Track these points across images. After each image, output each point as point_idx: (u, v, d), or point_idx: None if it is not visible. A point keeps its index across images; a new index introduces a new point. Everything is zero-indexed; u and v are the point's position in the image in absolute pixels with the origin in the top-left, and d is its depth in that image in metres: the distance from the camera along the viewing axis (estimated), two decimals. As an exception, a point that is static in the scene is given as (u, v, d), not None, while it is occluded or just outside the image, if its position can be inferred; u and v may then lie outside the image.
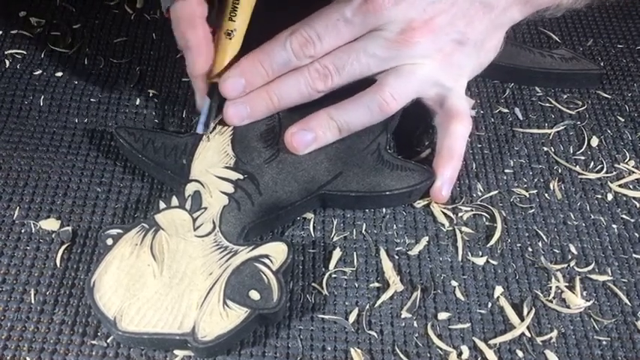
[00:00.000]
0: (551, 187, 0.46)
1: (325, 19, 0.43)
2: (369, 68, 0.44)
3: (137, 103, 0.50)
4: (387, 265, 0.42)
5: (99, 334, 0.38)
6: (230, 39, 0.44)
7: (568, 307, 0.40)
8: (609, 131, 0.50)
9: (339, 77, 0.44)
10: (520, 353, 0.38)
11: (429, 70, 0.44)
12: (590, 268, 0.42)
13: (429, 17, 0.43)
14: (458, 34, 0.44)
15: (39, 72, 0.52)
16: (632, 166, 0.48)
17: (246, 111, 0.45)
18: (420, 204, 0.45)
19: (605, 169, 0.48)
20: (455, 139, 0.44)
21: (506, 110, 0.51)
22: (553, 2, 0.47)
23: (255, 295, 0.37)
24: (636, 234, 0.44)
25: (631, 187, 0.47)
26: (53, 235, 0.42)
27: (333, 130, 0.44)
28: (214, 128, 0.46)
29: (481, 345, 0.38)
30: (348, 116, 0.44)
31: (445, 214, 0.44)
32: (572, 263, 0.42)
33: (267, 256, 0.39)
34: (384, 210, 0.45)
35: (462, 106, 0.45)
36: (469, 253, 0.43)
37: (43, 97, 0.50)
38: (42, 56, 0.53)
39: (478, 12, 0.44)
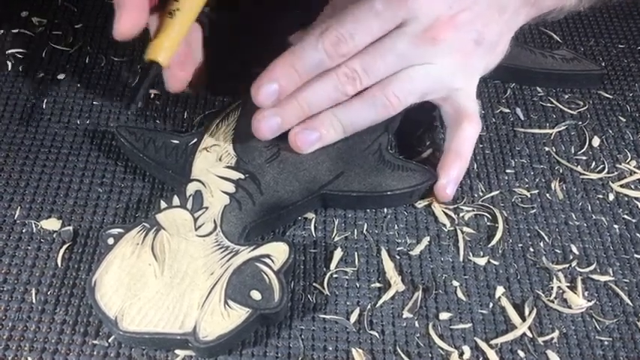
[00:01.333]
0: (553, 188, 0.46)
1: (356, 14, 0.41)
2: (394, 67, 0.43)
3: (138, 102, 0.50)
4: (389, 265, 0.42)
5: (100, 333, 0.38)
6: (171, 17, 0.42)
7: (569, 307, 0.40)
8: (610, 131, 0.50)
9: (367, 78, 0.42)
10: (522, 353, 0.38)
11: (445, 70, 0.43)
12: (591, 268, 0.42)
13: (455, 13, 0.42)
14: (476, 33, 0.43)
15: (41, 72, 0.52)
16: (634, 167, 0.48)
17: (278, 123, 0.43)
18: (421, 204, 0.45)
19: (606, 170, 0.48)
20: (463, 139, 0.44)
21: (507, 110, 0.51)
22: (557, 5, 0.47)
23: (256, 295, 0.37)
24: (638, 234, 0.44)
25: (632, 187, 0.47)
26: (54, 235, 0.42)
27: (338, 129, 0.44)
28: (216, 128, 0.46)
29: (482, 345, 0.38)
30: (353, 115, 0.43)
31: (446, 214, 0.44)
32: (574, 263, 0.42)
33: (268, 256, 0.39)
34: (385, 210, 0.45)
35: (472, 107, 0.45)
36: (470, 253, 0.43)
37: (45, 98, 0.50)
38: (43, 55, 0.53)
39: (494, 13, 0.43)
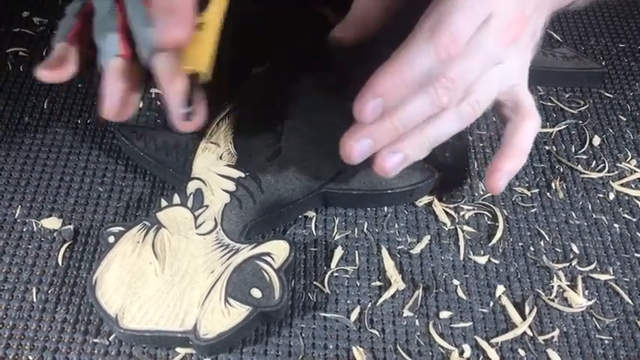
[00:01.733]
0: (553, 187, 0.46)
1: (461, 7, 0.37)
2: (481, 69, 0.39)
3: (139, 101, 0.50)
4: (389, 264, 0.42)
5: (101, 332, 0.38)
6: (200, 30, 0.39)
7: (570, 306, 0.40)
8: (611, 130, 0.50)
9: (461, 86, 0.38)
10: (522, 352, 0.38)
11: (513, 68, 0.41)
12: (592, 267, 0.42)
13: (524, 7, 0.39)
14: (534, 26, 0.41)
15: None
16: (634, 166, 0.48)
17: (370, 145, 0.39)
18: (421, 202, 0.45)
19: (606, 169, 0.48)
20: (525, 136, 0.42)
21: (507, 109, 0.51)
22: None
23: (256, 293, 0.37)
24: (638, 233, 0.44)
25: (633, 186, 0.47)
26: (55, 234, 0.42)
27: (424, 147, 0.40)
28: (217, 126, 0.46)
29: (483, 344, 0.38)
30: (441, 131, 0.40)
31: (447, 212, 0.44)
32: (574, 262, 0.42)
33: (268, 254, 0.39)
34: (385, 208, 0.45)
35: (530, 101, 0.43)
36: (471, 252, 0.43)
37: (45, 98, 0.50)
38: (44, 55, 0.53)
39: (543, 5, 0.41)
